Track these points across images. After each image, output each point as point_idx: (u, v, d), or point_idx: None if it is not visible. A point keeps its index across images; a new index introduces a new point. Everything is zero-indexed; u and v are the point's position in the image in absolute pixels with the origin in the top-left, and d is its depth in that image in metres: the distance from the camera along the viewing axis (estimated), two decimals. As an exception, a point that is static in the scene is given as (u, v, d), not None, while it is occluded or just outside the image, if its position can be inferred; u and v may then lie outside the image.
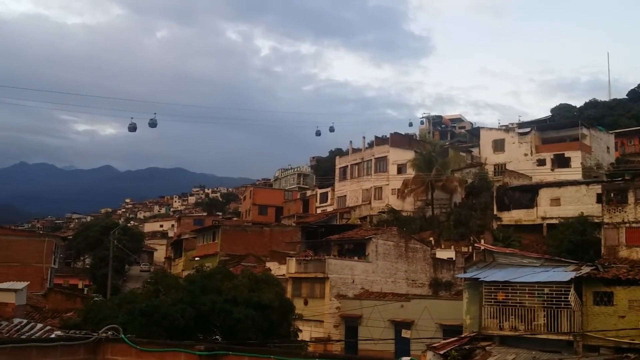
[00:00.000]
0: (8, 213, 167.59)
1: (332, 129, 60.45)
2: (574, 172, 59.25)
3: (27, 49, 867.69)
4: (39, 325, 14.29)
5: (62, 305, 38.47)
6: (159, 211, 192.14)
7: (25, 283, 16.77)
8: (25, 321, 14.26)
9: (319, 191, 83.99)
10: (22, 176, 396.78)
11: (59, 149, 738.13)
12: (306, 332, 33.32)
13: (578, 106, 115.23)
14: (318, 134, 58.99)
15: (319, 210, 78.24)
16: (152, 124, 43.40)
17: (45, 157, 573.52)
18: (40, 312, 30.91)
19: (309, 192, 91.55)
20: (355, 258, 42.06)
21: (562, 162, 62.86)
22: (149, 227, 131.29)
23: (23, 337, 12.24)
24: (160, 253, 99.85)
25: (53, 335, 10.44)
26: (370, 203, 68.80)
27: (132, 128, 42.26)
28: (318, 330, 36.94)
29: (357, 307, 36.96)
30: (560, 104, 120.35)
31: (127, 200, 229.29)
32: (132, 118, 42.31)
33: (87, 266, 73.03)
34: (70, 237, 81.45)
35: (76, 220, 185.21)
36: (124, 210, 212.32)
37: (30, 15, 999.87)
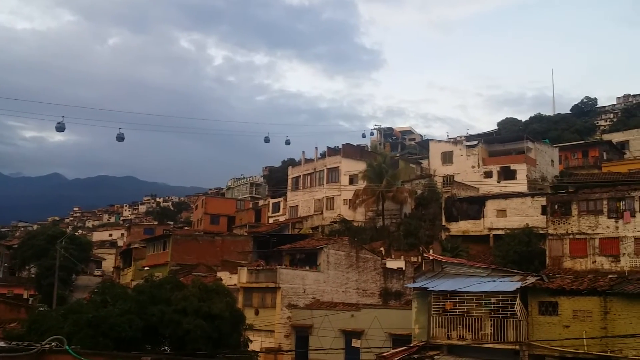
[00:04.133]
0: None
1: (288, 142, 59.88)
2: (520, 184, 60.42)
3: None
4: (-20, 337, 13.97)
5: (6, 316, 37.48)
6: (108, 220, 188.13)
7: (-34, 294, 16.39)
8: (-35, 333, 13.93)
9: (271, 201, 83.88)
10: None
11: (5, 156, 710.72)
12: (257, 343, 33.23)
13: (524, 120, 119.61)
14: (267, 140, 57.98)
15: (271, 220, 78.09)
16: (120, 137, 41.79)
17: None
18: (-18, 324, 29.96)
19: (261, 202, 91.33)
20: (307, 268, 42.16)
21: (508, 174, 64.21)
22: (97, 236, 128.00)
23: (-37, 349, 11.95)
24: (109, 262, 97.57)
25: (-5, 347, 10.23)
26: (322, 213, 69.08)
27: (60, 128, 39.48)
28: (269, 340, 36.88)
29: (308, 317, 37.11)
30: (507, 118, 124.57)
31: (76, 209, 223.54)
32: (62, 117, 38.94)
33: (33, 275, 70.86)
34: (16, 245, 79.17)
35: (22, 229, 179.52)
36: (71, 218, 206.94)
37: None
